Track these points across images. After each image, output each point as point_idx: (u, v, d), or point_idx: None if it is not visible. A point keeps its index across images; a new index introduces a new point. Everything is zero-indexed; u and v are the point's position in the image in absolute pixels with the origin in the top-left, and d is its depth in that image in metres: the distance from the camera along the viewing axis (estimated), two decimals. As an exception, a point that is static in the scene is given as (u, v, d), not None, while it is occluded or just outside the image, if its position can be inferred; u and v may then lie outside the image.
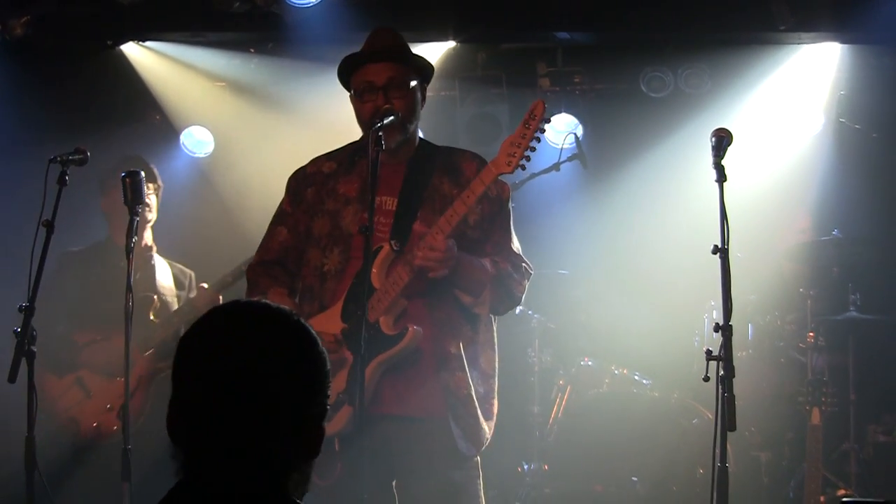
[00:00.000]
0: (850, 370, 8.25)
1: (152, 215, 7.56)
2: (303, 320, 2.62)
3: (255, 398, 2.46)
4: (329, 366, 2.61)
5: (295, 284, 5.41)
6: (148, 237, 7.61)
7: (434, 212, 5.13)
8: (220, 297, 7.24)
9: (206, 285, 7.37)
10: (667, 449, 8.05)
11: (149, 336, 7.30)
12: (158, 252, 7.71)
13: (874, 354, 8.48)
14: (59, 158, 5.76)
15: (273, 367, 2.48)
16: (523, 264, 5.37)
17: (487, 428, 5.25)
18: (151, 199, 7.46)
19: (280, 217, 5.50)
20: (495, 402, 5.36)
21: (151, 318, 7.40)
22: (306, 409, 2.54)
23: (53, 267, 7.26)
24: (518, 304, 5.46)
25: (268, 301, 2.58)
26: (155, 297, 7.49)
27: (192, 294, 7.61)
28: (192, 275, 7.80)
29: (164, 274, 7.66)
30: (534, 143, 4.93)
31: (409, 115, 5.23)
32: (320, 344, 2.61)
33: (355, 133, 5.41)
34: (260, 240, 5.58)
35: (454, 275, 5.03)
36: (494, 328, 5.42)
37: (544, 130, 4.97)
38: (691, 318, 8.64)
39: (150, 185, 7.36)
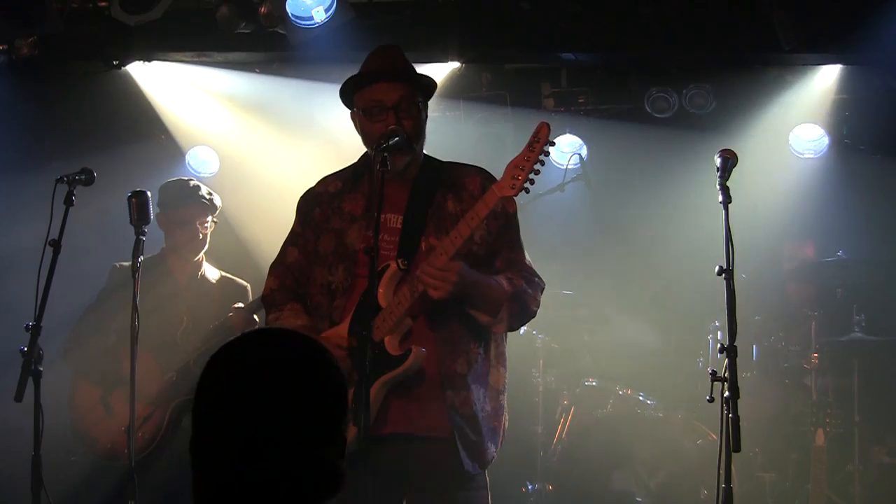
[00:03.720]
0: (855, 392, 8.24)
1: (207, 245, 7.60)
2: (327, 351, 2.64)
3: (276, 425, 2.47)
4: (346, 398, 2.64)
5: (307, 303, 5.40)
6: (197, 262, 7.61)
7: (439, 230, 5.12)
8: (256, 318, 7.25)
9: (241, 305, 7.37)
10: (671, 470, 8.05)
11: (172, 359, 7.30)
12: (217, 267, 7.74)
13: (879, 376, 8.47)
14: (65, 178, 5.79)
15: (294, 397, 2.50)
16: (536, 278, 5.35)
17: (494, 446, 5.24)
18: (207, 229, 7.54)
19: (291, 237, 5.50)
20: (504, 418, 5.34)
21: (178, 340, 7.39)
22: (324, 440, 2.55)
23: (103, 281, 7.34)
24: (533, 317, 5.44)
25: (291, 328, 2.61)
26: (185, 318, 7.46)
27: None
28: (248, 286, 7.77)
29: (209, 294, 7.61)
30: (538, 167, 4.92)
31: (416, 135, 5.23)
32: (344, 377, 2.63)
33: (361, 151, 5.41)
34: (269, 258, 5.59)
35: (469, 295, 5.03)
36: (506, 343, 5.42)
37: (549, 153, 4.96)
38: (696, 339, 8.65)
39: (210, 216, 7.49)
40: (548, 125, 4.98)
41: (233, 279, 7.72)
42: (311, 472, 2.56)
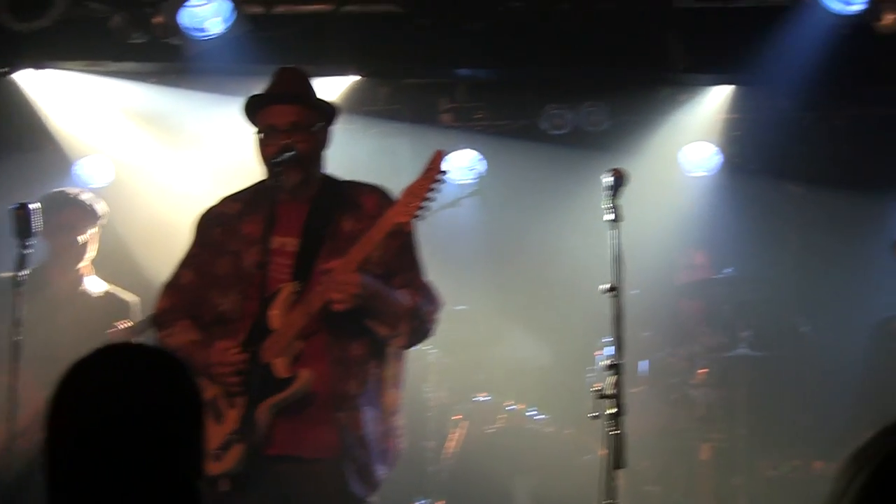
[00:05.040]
0: (741, 406, 8.35)
1: (90, 254, 7.41)
2: (183, 367, 2.60)
3: (127, 440, 2.43)
4: (201, 415, 2.59)
5: (200, 323, 5.36)
6: (78, 273, 7.43)
7: (336, 252, 5.10)
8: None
9: (125, 324, 7.21)
10: (560, 485, 8.09)
11: (52, 374, 7.12)
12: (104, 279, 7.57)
13: (765, 391, 8.60)
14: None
15: (143, 414, 2.45)
16: (434, 296, 5.36)
17: (384, 468, 5.23)
18: (88, 235, 7.36)
19: (187, 259, 5.44)
20: (397, 440, 5.34)
21: (57, 355, 7.21)
22: (177, 458, 2.51)
23: None
24: (430, 336, 5.46)
25: (182, 344, 2.57)
26: (65, 332, 7.26)
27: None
28: (134, 302, 7.58)
29: (90, 308, 7.43)
30: (432, 194, 4.96)
31: (310, 156, 5.24)
32: (199, 394, 2.59)
33: (259, 165, 5.39)
34: (161, 273, 5.54)
35: (371, 307, 5.03)
36: (403, 364, 5.43)
37: (443, 181, 5.01)
38: (587, 355, 8.71)
39: (92, 222, 7.31)
40: (442, 153, 5.02)
41: (117, 295, 7.54)
42: (164, 493, 2.51)
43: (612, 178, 5.26)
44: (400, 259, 5.27)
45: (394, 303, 5.12)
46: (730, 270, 8.70)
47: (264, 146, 5.20)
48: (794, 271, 9.60)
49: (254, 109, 5.29)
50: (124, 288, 7.58)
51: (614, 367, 5.02)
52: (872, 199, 9.50)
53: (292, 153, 5.08)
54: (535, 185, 9.59)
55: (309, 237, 5.22)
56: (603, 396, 4.99)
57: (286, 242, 5.21)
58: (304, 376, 5.00)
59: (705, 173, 9.76)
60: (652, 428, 8.33)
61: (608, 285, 5.10)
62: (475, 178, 9.24)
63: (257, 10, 8.32)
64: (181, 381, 2.58)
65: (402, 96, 9.83)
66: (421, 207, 4.95)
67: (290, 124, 5.17)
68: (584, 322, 8.76)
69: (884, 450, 2.07)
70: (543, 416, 8.47)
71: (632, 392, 7.61)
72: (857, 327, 7.98)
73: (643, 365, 8.55)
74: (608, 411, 4.97)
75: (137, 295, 7.45)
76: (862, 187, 9.59)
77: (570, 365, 8.88)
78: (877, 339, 7.31)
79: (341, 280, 4.92)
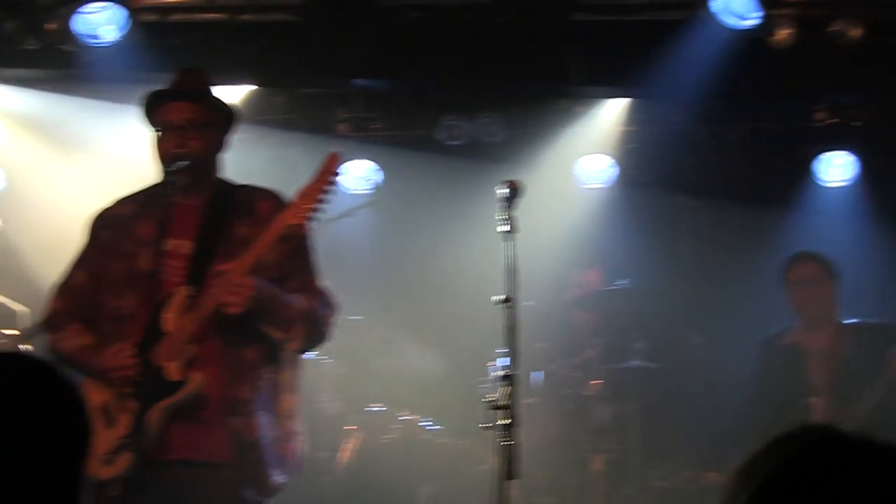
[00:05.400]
0: (634, 417, 8.42)
1: None
2: (59, 374, 2.54)
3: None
4: (83, 424, 2.53)
5: (93, 326, 5.30)
6: None
7: (230, 256, 5.06)
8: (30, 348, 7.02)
9: (10, 332, 7.10)
10: (453, 495, 8.10)
11: None
12: None
13: (657, 402, 8.67)
14: None
15: (13, 425, 2.40)
16: (329, 301, 5.34)
17: (281, 474, 5.20)
18: None
19: (80, 260, 5.36)
20: (294, 444, 5.31)
21: None
22: (55, 470, 2.45)
23: None
24: (325, 340, 5.43)
25: (73, 349, 2.49)
26: None
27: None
28: (22, 311, 7.46)
29: None
30: (326, 196, 4.96)
31: (204, 157, 5.20)
32: (81, 401, 2.53)
33: (154, 172, 5.34)
34: (54, 280, 5.47)
35: (266, 310, 5.00)
36: (298, 368, 5.40)
37: (337, 183, 5.01)
38: (481, 365, 8.73)
39: None
40: (337, 155, 5.03)
41: (5, 304, 7.46)
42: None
43: (506, 190, 5.27)
44: (294, 263, 5.24)
45: (288, 306, 5.09)
46: (624, 282, 8.77)
47: (160, 143, 5.17)
48: (687, 283, 9.69)
49: (152, 107, 5.25)
50: (16, 297, 7.49)
51: (508, 378, 5.03)
52: (765, 213, 9.63)
53: (185, 163, 5.05)
54: (431, 196, 9.60)
55: (203, 241, 5.18)
56: (496, 407, 4.99)
57: (180, 245, 5.16)
58: (196, 380, 4.96)
59: (601, 185, 9.83)
60: (545, 439, 8.36)
61: (502, 296, 5.11)
62: (371, 188, 9.23)
63: (152, 17, 8.27)
64: (59, 391, 2.52)
65: (297, 106, 9.79)
66: (314, 210, 4.94)
67: (185, 121, 5.14)
68: (478, 333, 8.76)
69: (769, 464, 2.09)
70: (437, 427, 8.48)
71: (526, 403, 7.64)
72: (748, 340, 8.06)
73: (537, 376, 8.58)
74: (501, 422, 4.98)
75: (30, 303, 7.36)
76: (754, 201, 9.71)
77: (464, 375, 8.89)
78: (766, 354, 7.40)
79: (235, 283, 4.90)
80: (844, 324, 7.11)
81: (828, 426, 2.14)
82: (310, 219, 4.97)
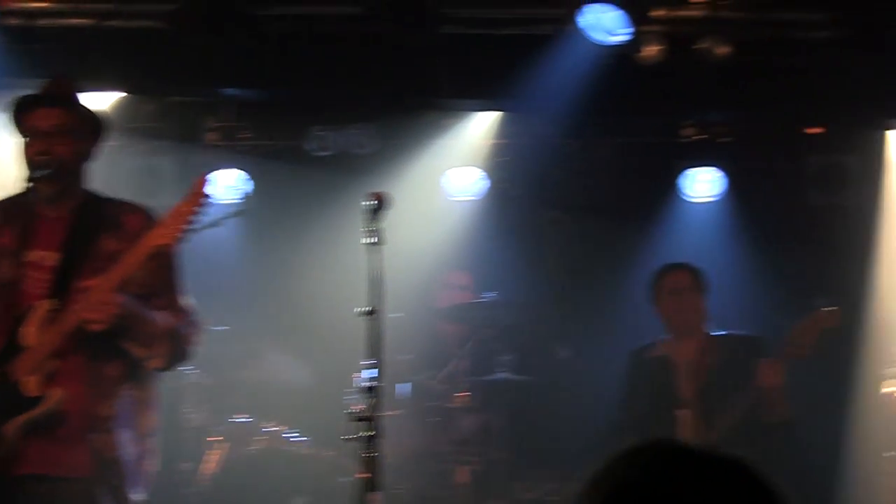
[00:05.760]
0: (500, 429, 8.45)
1: None
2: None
3: None
4: None
5: None
6: None
7: (96, 271, 5.00)
8: None
9: None
10: (319, 506, 8.10)
11: None
12: None
13: (524, 414, 8.71)
14: None
15: None
16: (194, 319, 5.31)
17: (138, 491, 5.16)
18: None
19: None
20: (151, 462, 5.27)
21: None
22: None
23: None
24: (189, 358, 5.40)
25: None
26: None
27: None
28: None
29: None
30: (196, 217, 4.94)
31: (70, 164, 5.14)
32: None
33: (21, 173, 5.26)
34: None
35: (129, 328, 4.95)
36: (156, 386, 5.35)
37: (207, 205, 4.98)
38: (348, 376, 8.71)
39: None
40: (206, 178, 5.01)
41: None
42: None
43: (372, 202, 5.28)
44: (160, 280, 5.20)
45: (152, 324, 5.05)
46: (492, 294, 8.80)
47: (26, 149, 5.11)
48: (555, 297, 9.76)
49: (19, 113, 5.18)
50: None
51: (371, 390, 5.04)
52: (632, 227, 9.74)
53: (48, 171, 4.99)
54: (300, 207, 9.57)
55: (69, 253, 5.12)
56: (359, 419, 5.00)
57: (45, 257, 5.10)
58: (56, 395, 4.90)
59: (471, 198, 9.86)
60: (411, 450, 8.36)
61: (366, 308, 5.12)
62: (241, 198, 9.17)
63: (18, 22, 8.14)
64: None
65: (166, 114, 9.69)
66: (183, 230, 4.92)
67: (53, 127, 5.08)
68: (345, 344, 8.74)
69: (615, 478, 2.12)
70: (302, 438, 8.44)
71: (392, 415, 7.66)
72: (615, 353, 8.13)
73: (404, 388, 8.57)
74: (364, 433, 4.98)
75: None
76: (622, 215, 9.82)
77: (331, 387, 8.86)
78: (634, 366, 7.45)
79: (99, 300, 4.85)
80: (712, 335, 7.18)
81: (673, 439, 2.18)
82: (179, 239, 4.94)
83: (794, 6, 8.35)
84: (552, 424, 9.11)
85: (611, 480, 2.11)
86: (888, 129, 9.36)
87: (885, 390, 7.61)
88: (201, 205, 4.93)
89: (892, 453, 7.05)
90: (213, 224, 8.62)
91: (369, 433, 4.98)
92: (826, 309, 6.56)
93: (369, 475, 4.94)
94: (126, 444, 5.08)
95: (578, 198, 10.03)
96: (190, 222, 4.91)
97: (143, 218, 5.23)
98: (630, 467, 2.12)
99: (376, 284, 5.13)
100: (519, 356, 8.59)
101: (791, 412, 6.75)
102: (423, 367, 8.71)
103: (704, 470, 2.10)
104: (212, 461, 8.34)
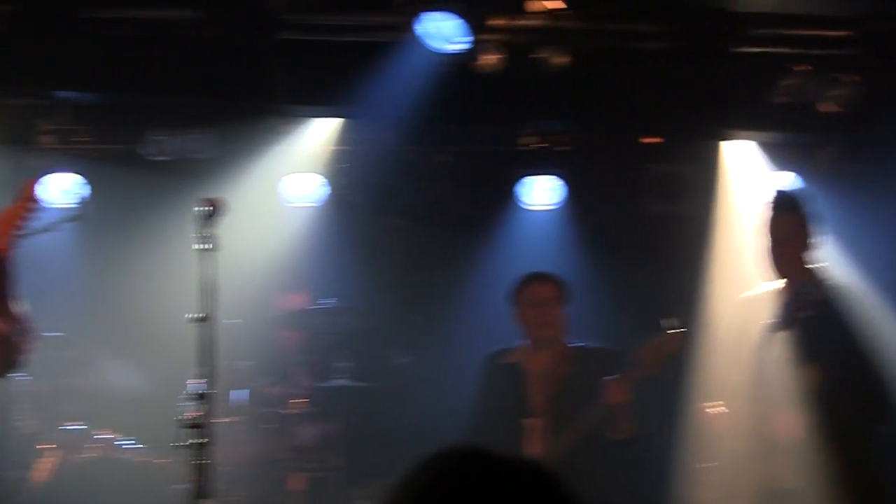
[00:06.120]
0: (338, 436, 8.46)
1: None
2: None
3: None
4: None
5: None
6: None
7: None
8: None
9: None
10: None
11: None
12: None
13: (363, 421, 8.73)
14: None
15: None
16: (27, 326, 5.22)
17: None
18: None
19: None
20: None
21: None
22: None
23: None
24: (22, 366, 5.31)
25: None
26: None
27: None
28: None
29: None
30: (27, 224, 4.87)
31: None
32: None
33: None
34: None
35: None
36: None
37: (38, 209, 4.91)
38: (182, 383, 8.63)
39: None
40: (34, 182, 4.94)
41: None
42: None
43: (206, 208, 5.25)
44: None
45: None
46: (331, 301, 8.80)
47: None
48: (394, 304, 9.77)
49: None
50: None
51: (203, 397, 5.02)
52: (471, 235, 9.80)
53: None
54: (136, 212, 9.45)
55: None
56: (191, 426, 4.97)
57: None
58: None
59: (311, 204, 9.83)
60: (246, 457, 8.33)
61: (198, 314, 5.09)
62: (77, 202, 9.03)
63: None
64: None
65: (-1, 116, 9.51)
66: (14, 235, 4.84)
67: None
68: (181, 351, 8.67)
69: (415, 485, 2.15)
70: (135, 446, 8.35)
71: (228, 422, 7.63)
72: (455, 360, 8.18)
73: (242, 394, 8.53)
74: (195, 440, 4.95)
75: None
76: (462, 222, 9.88)
77: (165, 393, 8.76)
78: (486, 372, 7.44)
79: None
80: (569, 346, 7.19)
81: (475, 446, 2.21)
82: (10, 244, 4.87)
83: (631, 18, 8.44)
84: (390, 431, 9.13)
85: (407, 487, 2.14)
86: (723, 139, 9.53)
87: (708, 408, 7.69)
88: (31, 209, 4.87)
89: (708, 464, 7.13)
90: (48, 228, 8.51)
91: (201, 440, 4.95)
92: (671, 331, 6.57)
93: (200, 482, 4.91)
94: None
95: (419, 205, 10.06)
96: (20, 227, 4.84)
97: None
98: (428, 474, 2.15)
99: (209, 291, 5.11)
100: (357, 363, 8.61)
101: (638, 428, 6.79)
102: (261, 374, 8.67)
103: (500, 475, 2.13)
104: (43, 469, 8.21)
